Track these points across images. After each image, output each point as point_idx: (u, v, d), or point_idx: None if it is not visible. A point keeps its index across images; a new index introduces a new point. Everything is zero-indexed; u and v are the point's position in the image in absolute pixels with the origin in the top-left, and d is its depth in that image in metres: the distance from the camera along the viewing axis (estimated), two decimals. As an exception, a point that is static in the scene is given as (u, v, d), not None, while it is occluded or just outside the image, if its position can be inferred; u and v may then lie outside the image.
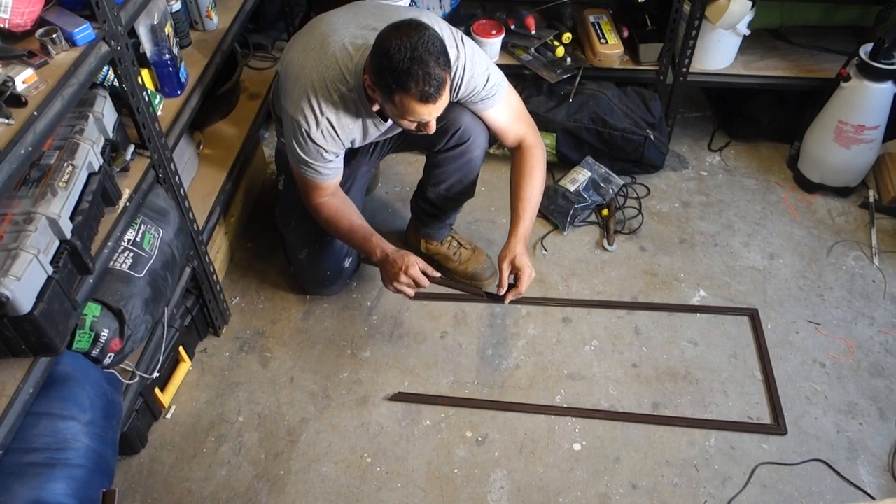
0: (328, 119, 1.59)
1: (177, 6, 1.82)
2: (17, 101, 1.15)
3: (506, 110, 1.77)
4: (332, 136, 1.62)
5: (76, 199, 1.31)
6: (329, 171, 1.69)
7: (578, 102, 2.34)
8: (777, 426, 1.78)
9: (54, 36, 1.23)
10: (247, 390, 1.90)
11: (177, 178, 1.68)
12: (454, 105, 1.72)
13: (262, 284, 2.16)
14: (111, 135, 1.45)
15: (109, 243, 1.42)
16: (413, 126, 1.55)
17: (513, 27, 2.40)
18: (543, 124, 2.31)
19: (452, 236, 2.14)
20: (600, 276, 2.16)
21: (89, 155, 1.35)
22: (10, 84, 1.15)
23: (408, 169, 2.51)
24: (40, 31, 1.24)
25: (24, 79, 1.18)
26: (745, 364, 1.92)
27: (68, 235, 1.26)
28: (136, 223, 1.54)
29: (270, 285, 2.15)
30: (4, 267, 1.14)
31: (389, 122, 1.67)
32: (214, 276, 1.94)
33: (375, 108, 1.61)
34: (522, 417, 1.82)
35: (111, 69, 1.44)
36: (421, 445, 1.77)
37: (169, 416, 1.84)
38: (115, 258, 1.47)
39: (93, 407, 1.37)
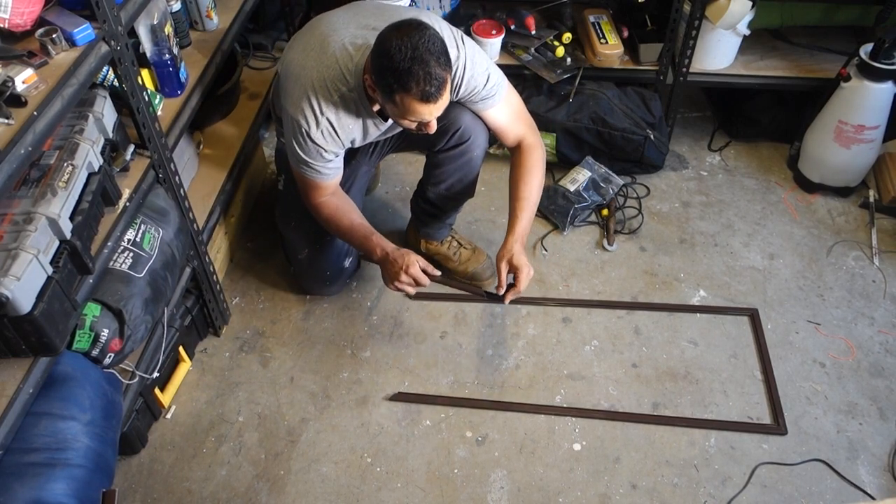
0: (328, 119, 1.59)
1: (177, 6, 1.82)
2: (17, 101, 1.15)
3: (506, 110, 1.77)
4: (332, 136, 1.62)
5: (76, 199, 1.31)
6: (329, 171, 1.69)
7: (578, 102, 2.34)
8: (777, 426, 1.78)
9: (54, 36, 1.23)
10: (247, 390, 1.90)
11: (177, 178, 1.68)
12: (454, 105, 1.72)
13: (262, 284, 2.16)
14: (111, 135, 1.45)
15: (109, 243, 1.42)
16: (413, 126, 1.55)
17: (513, 27, 2.40)
18: (543, 124, 2.31)
19: (452, 236, 2.14)
20: (600, 276, 2.16)
21: (89, 155, 1.35)
22: (10, 84, 1.15)
23: (408, 169, 2.51)
24: (40, 31, 1.24)
25: (23, 79, 1.18)
26: (745, 364, 1.92)
27: (68, 235, 1.27)
28: (136, 223, 1.54)
29: (270, 285, 2.15)
30: (4, 267, 1.14)
31: (389, 121, 1.67)
32: (214, 276, 1.94)
33: (376, 107, 1.61)
34: (522, 417, 1.82)
35: (111, 69, 1.44)
36: (421, 445, 1.77)
37: (169, 416, 1.84)
38: (115, 258, 1.47)
39: (93, 407, 1.37)
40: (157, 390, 1.77)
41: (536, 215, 2.30)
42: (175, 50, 1.70)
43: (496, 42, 2.33)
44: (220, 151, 2.08)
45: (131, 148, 1.54)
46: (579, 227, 2.31)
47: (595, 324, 2.03)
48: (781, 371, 1.90)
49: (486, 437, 1.79)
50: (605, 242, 2.24)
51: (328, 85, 1.57)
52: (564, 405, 1.85)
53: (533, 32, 2.40)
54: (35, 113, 1.16)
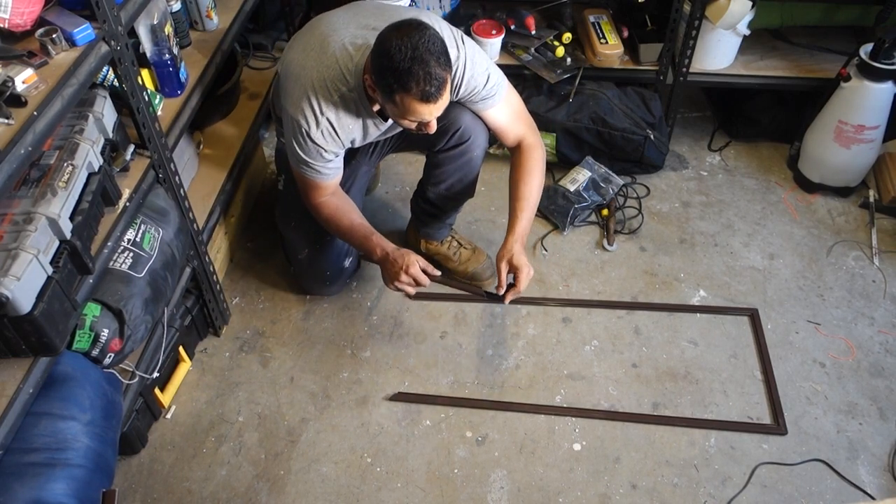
0: (328, 119, 1.59)
1: (177, 6, 1.82)
2: (17, 101, 1.15)
3: (506, 110, 1.77)
4: (332, 136, 1.62)
5: (76, 199, 1.31)
6: (329, 171, 1.69)
7: (578, 102, 2.34)
8: (777, 426, 1.78)
9: (54, 36, 1.23)
10: (247, 390, 1.90)
11: (177, 178, 1.68)
12: (454, 105, 1.72)
13: (262, 284, 2.16)
14: (111, 135, 1.45)
15: (109, 243, 1.42)
16: (413, 126, 1.55)
17: (513, 27, 2.40)
18: (543, 124, 2.31)
19: (452, 236, 2.14)
20: (600, 276, 2.16)
21: (89, 155, 1.35)
22: (10, 84, 1.15)
23: (408, 169, 2.51)
24: (40, 31, 1.24)
25: (23, 79, 1.18)
26: (745, 364, 1.92)
27: (68, 235, 1.27)
28: (136, 223, 1.54)
29: (270, 285, 2.15)
30: (4, 267, 1.14)
31: (389, 121, 1.67)
32: (214, 276, 1.94)
33: (376, 107, 1.61)
34: (522, 417, 1.82)
35: (111, 69, 1.44)
36: (421, 445, 1.77)
37: (169, 416, 1.84)
38: (114, 258, 1.47)
39: (93, 407, 1.37)
40: (157, 390, 1.77)
41: (536, 215, 2.30)
42: (175, 50, 1.70)
43: (496, 42, 2.33)
44: (220, 151, 2.08)
45: (131, 148, 1.54)
46: (579, 227, 2.31)
47: (595, 324, 2.03)
48: (781, 371, 1.90)
49: (486, 437, 1.79)
50: (605, 242, 2.24)
51: (328, 85, 1.57)
52: (564, 405, 1.85)
53: (533, 32, 2.40)
54: (35, 113, 1.16)
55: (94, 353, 1.42)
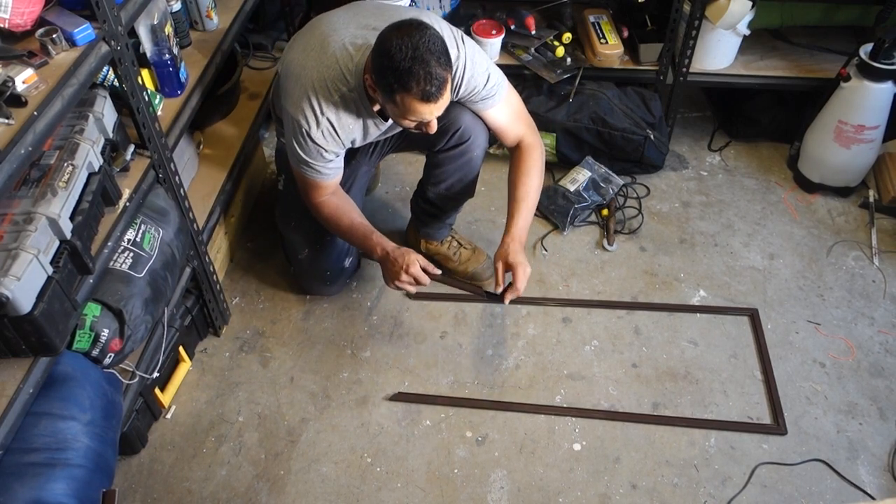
0: (328, 119, 1.59)
1: (177, 6, 1.82)
2: (17, 101, 1.15)
3: (506, 110, 1.77)
4: (332, 135, 1.62)
5: (76, 199, 1.31)
6: (329, 171, 1.69)
7: (578, 102, 2.34)
8: (777, 426, 1.78)
9: (54, 36, 1.23)
10: (247, 390, 1.90)
11: (177, 178, 1.68)
12: (454, 105, 1.72)
13: (262, 284, 2.16)
14: (111, 135, 1.45)
15: (109, 243, 1.42)
16: (414, 125, 1.55)
17: (513, 27, 2.40)
18: (543, 124, 2.31)
19: (452, 236, 2.14)
20: (600, 276, 2.16)
21: (89, 155, 1.35)
22: (10, 84, 1.15)
23: (408, 169, 2.51)
24: (40, 31, 1.24)
25: (24, 79, 1.18)
26: (745, 364, 1.92)
27: (68, 235, 1.26)
28: (136, 223, 1.54)
29: (270, 285, 2.15)
30: (4, 267, 1.14)
31: (390, 121, 1.67)
32: (214, 276, 1.94)
33: (376, 107, 1.61)
34: (522, 417, 1.82)
35: (111, 69, 1.44)
36: (421, 445, 1.77)
37: (169, 416, 1.84)
38: (115, 258, 1.47)
39: (93, 407, 1.37)
40: (157, 390, 1.77)
41: (536, 215, 2.32)
42: (175, 50, 1.70)
43: (496, 42, 2.34)
44: (220, 151, 2.08)
45: (131, 148, 1.54)
46: (579, 227, 2.31)
47: (595, 324, 2.03)
48: (781, 371, 1.90)
49: (486, 437, 1.79)
50: (605, 242, 2.24)
51: (328, 85, 1.57)
52: (564, 405, 1.85)
53: (533, 32, 2.40)
54: (35, 113, 1.16)
55: (95, 353, 1.42)
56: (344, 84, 1.57)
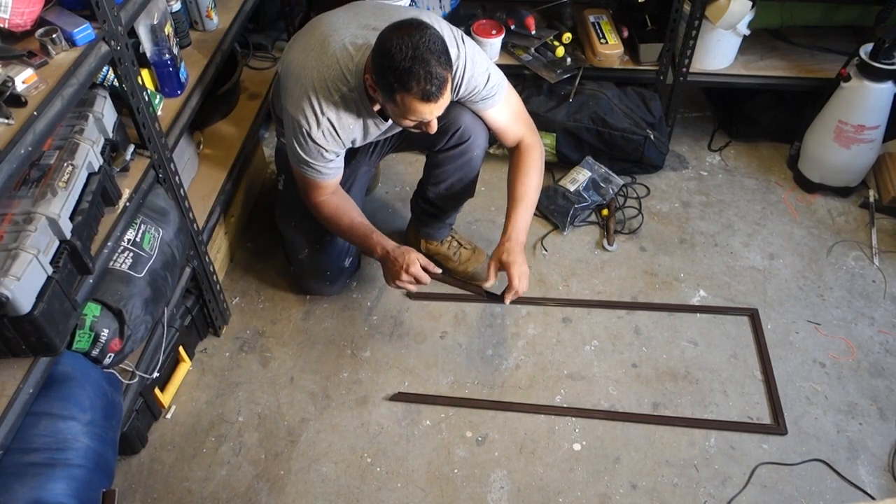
0: (329, 119, 1.59)
1: (177, 6, 1.82)
2: (17, 101, 1.15)
3: (506, 110, 1.77)
4: (332, 135, 1.62)
5: (76, 199, 1.31)
6: (330, 171, 1.69)
7: (578, 102, 2.34)
8: (777, 426, 1.78)
9: (54, 36, 1.23)
10: (247, 390, 1.90)
11: (177, 178, 1.68)
12: (454, 105, 1.72)
13: (262, 284, 2.16)
14: (111, 135, 1.45)
15: (109, 243, 1.42)
16: (414, 125, 1.55)
17: (513, 27, 2.40)
18: (543, 124, 2.31)
19: (452, 236, 2.14)
20: (600, 276, 2.16)
21: (89, 155, 1.35)
22: (10, 84, 1.15)
23: (408, 169, 2.51)
24: (40, 31, 1.24)
25: (24, 79, 1.18)
26: (745, 364, 1.92)
27: (68, 235, 1.26)
28: (136, 223, 1.54)
29: (270, 285, 2.15)
30: (4, 267, 1.14)
31: (390, 121, 1.67)
32: (214, 276, 1.94)
33: (376, 107, 1.61)
34: (522, 417, 1.82)
35: (111, 69, 1.44)
36: (421, 445, 1.77)
37: (169, 416, 1.84)
38: (115, 258, 1.47)
39: (93, 407, 1.37)
40: (157, 390, 1.77)
41: (536, 215, 2.32)
42: (175, 50, 1.70)
43: (496, 42, 2.33)
44: (220, 151, 2.08)
45: (131, 148, 1.54)
46: (579, 227, 2.31)
47: (595, 324, 2.03)
48: (781, 371, 1.90)
49: (486, 437, 1.79)
50: (605, 242, 2.24)
51: (329, 85, 1.57)
52: (564, 405, 1.85)
53: (533, 32, 2.40)
54: (35, 113, 1.15)
55: (94, 353, 1.42)
56: (344, 84, 1.57)
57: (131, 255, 1.50)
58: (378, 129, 1.70)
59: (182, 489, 1.70)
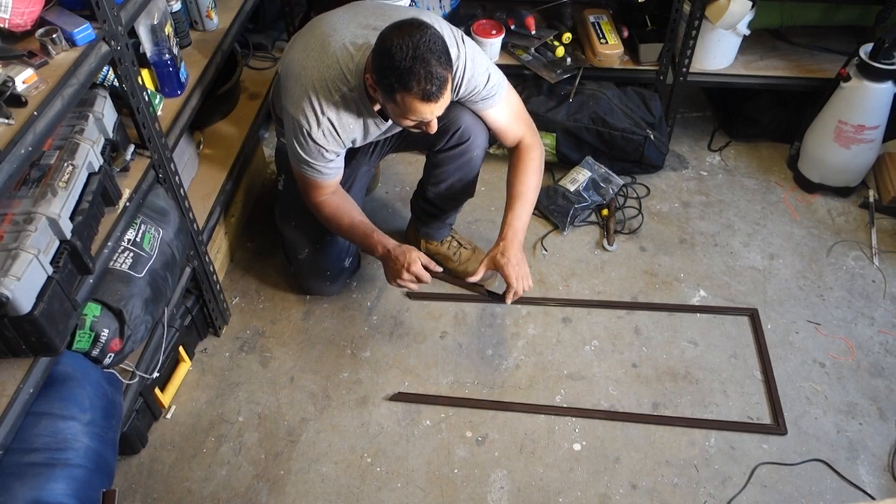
0: (329, 119, 1.59)
1: (177, 6, 1.82)
2: (17, 101, 1.15)
3: (506, 110, 1.77)
4: (332, 135, 1.62)
5: (76, 199, 1.31)
6: (330, 171, 1.69)
7: (578, 102, 2.34)
8: (777, 426, 1.78)
9: (54, 36, 1.23)
10: (247, 390, 1.90)
11: (177, 178, 1.68)
12: (454, 105, 1.72)
13: (262, 284, 2.16)
14: (111, 135, 1.45)
15: (109, 243, 1.42)
16: (414, 125, 1.55)
17: (513, 27, 2.40)
18: (543, 124, 2.31)
19: (452, 236, 2.14)
20: (600, 276, 2.16)
21: (89, 155, 1.35)
22: (10, 84, 1.15)
23: (408, 169, 2.51)
24: (40, 31, 1.24)
25: (24, 79, 1.18)
26: (745, 364, 1.92)
27: (68, 235, 1.26)
28: (136, 223, 1.54)
29: (270, 285, 2.15)
30: (4, 267, 1.14)
31: (390, 121, 1.67)
32: (214, 276, 1.94)
33: (377, 107, 1.61)
34: (522, 417, 1.82)
35: (111, 69, 1.44)
36: (421, 445, 1.77)
37: (169, 416, 1.84)
38: (115, 258, 1.47)
39: (93, 407, 1.37)
40: (157, 390, 1.77)
41: (536, 215, 2.32)
42: (175, 50, 1.70)
43: (496, 42, 2.34)
44: (220, 151, 2.08)
45: (131, 148, 1.54)
46: (579, 227, 2.31)
47: (595, 324, 2.03)
48: (781, 371, 1.90)
49: (486, 437, 1.79)
50: (605, 242, 2.24)
51: (329, 85, 1.57)
52: (564, 405, 1.85)
53: (533, 32, 2.40)
54: (35, 113, 1.16)
55: (95, 353, 1.42)
56: (344, 84, 1.57)
57: (131, 255, 1.50)
58: (378, 129, 1.70)
59: (182, 489, 1.70)
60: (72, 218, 1.28)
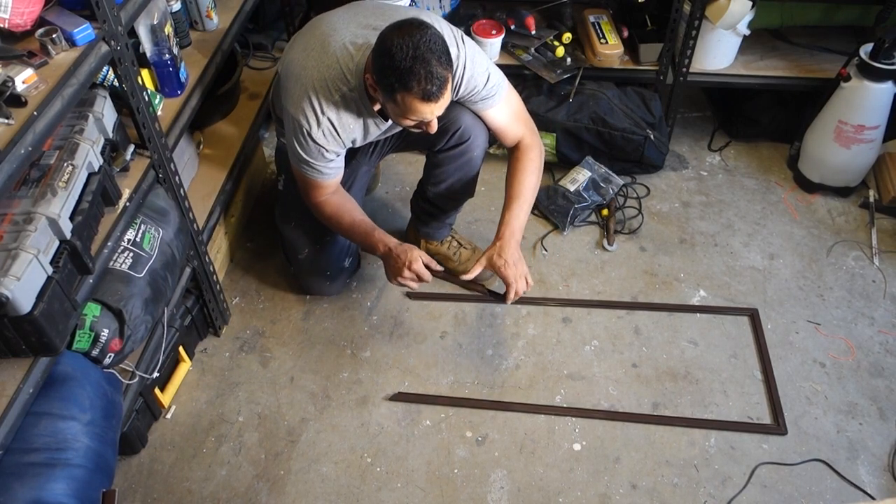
0: (329, 119, 1.59)
1: (177, 6, 1.82)
2: (17, 101, 1.15)
3: (505, 111, 1.77)
4: (333, 135, 1.62)
5: (76, 199, 1.31)
6: (330, 171, 1.69)
7: (578, 102, 2.34)
8: (777, 426, 1.78)
9: (54, 36, 1.23)
10: (247, 390, 1.90)
11: (177, 178, 1.68)
12: (454, 105, 1.72)
13: (262, 284, 2.16)
14: (111, 135, 1.45)
15: (109, 243, 1.42)
16: (414, 125, 1.55)
17: (513, 27, 2.40)
18: (543, 124, 2.31)
19: (452, 236, 2.14)
20: (600, 276, 2.16)
21: (89, 155, 1.35)
22: (10, 84, 1.15)
23: (408, 169, 2.51)
24: (40, 31, 1.24)
25: (24, 79, 1.18)
26: (745, 364, 1.92)
27: (68, 235, 1.26)
28: (136, 223, 1.54)
29: (270, 285, 2.15)
30: (4, 267, 1.14)
31: (390, 121, 1.67)
32: (214, 276, 1.94)
33: (377, 107, 1.61)
34: (522, 417, 1.82)
35: (111, 69, 1.44)
36: (421, 445, 1.77)
37: (169, 416, 1.84)
38: (114, 258, 1.47)
39: (93, 407, 1.37)
40: (157, 390, 1.77)
41: (537, 215, 2.32)
42: (175, 50, 1.70)
43: (496, 42, 2.33)
44: (220, 151, 2.08)
45: (131, 148, 1.54)
46: (579, 227, 2.31)
47: (595, 324, 2.03)
48: (781, 371, 1.90)
49: (486, 437, 1.79)
50: (605, 242, 2.24)
51: (329, 85, 1.57)
52: (564, 405, 1.85)
53: (533, 32, 2.40)
54: (35, 113, 1.16)
55: (94, 353, 1.42)
56: (344, 84, 1.57)
57: (131, 255, 1.50)
58: (378, 129, 1.70)
59: (182, 489, 1.70)
60: (72, 218, 1.29)
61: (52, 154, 1.32)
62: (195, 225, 1.79)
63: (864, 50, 2.10)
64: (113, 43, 1.34)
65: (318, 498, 1.68)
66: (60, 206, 1.24)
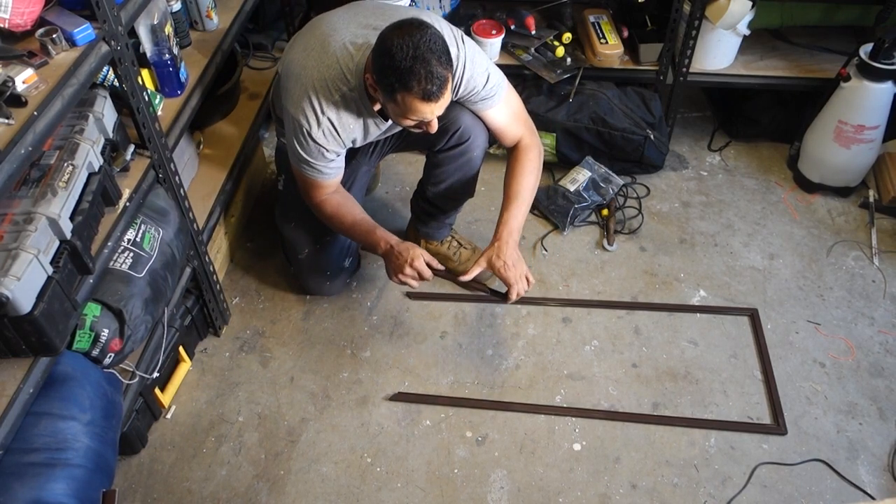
0: (329, 118, 1.59)
1: (177, 6, 1.82)
2: (17, 101, 1.15)
3: (505, 111, 1.77)
4: (333, 135, 1.62)
5: (76, 199, 1.31)
6: (330, 171, 1.69)
7: (578, 102, 2.34)
8: (777, 426, 1.78)
9: (54, 36, 1.23)
10: (247, 390, 1.90)
11: (177, 178, 1.68)
12: (454, 105, 1.72)
13: (262, 284, 2.16)
14: (111, 135, 1.45)
15: (109, 243, 1.42)
16: (414, 125, 1.55)
17: (513, 27, 2.40)
18: (543, 124, 2.31)
19: (452, 236, 2.14)
20: (600, 276, 2.16)
21: (89, 155, 1.35)
22: (10, 84, 1.15)
23: (408, 169, 2.51)
24: (40, 31, 1.24)
25: (24, 79, 1.18)
26: (745, 364, 1.92)
27: (68, 235, 1.26)
28: (136, 223, 1.54)
29: (270, 285, 2.15)
30: (4, 267, 1.14)
31: (390, 121, 1.67)
32: (214, 276, 1.94)
33: (377, 107, 1.61)
34: (522, 417, 1.82)
35: (111, 69, 1.44)
36: (421, 445, 1.77)
37: (169, 416, 1.84)
38: (115, 258, 1.47)
39: (93, 407, 1.37)
40: (157, 390, 1.77)
41: (537, 215, 2.32)
42: (175, 50, 1.70)
43: (496, 42, 2.33)
44: (220, 151, 2.08)
45: (131, 148, 1.54)
46: (579, 227, 2.31)
47: (595, 324, 2.03)
48: (781, 371, 1.90)
49: (486, 437, 1.79)
50: (605, 242, 2.24)
51: (329, 84, 1.57)
52: (564, 405, 1.85)
53: (533, 32, 2.40)
54: (35, 113, 1.16)
55: (95, 353, 1.42)
56: (344, 84, 1.57)
57: (131, 255, 1.50)
58: (378, 129, 1.70)
59: (182, 489, 1.70)
60: (72, 218, 1.28)
61: (53, 154, 1.32)
62: (195, 225, 1.79)
63: (864, 50, 2.10)
64: (113, 43, 1.34)
65: (318, 498, 1.68)
66: (60, 206, 1.24)
